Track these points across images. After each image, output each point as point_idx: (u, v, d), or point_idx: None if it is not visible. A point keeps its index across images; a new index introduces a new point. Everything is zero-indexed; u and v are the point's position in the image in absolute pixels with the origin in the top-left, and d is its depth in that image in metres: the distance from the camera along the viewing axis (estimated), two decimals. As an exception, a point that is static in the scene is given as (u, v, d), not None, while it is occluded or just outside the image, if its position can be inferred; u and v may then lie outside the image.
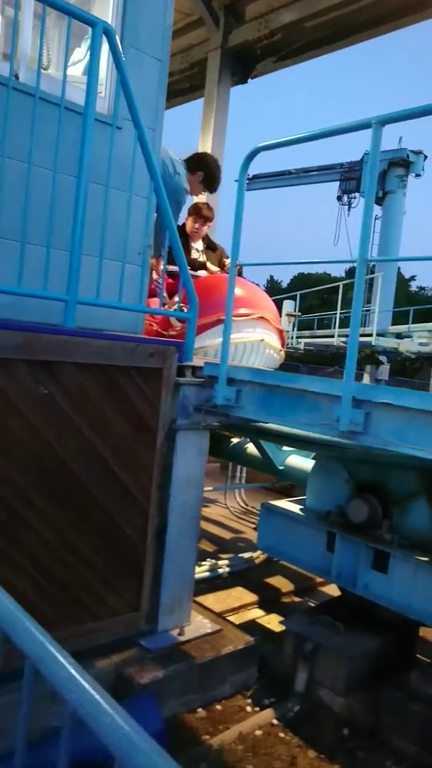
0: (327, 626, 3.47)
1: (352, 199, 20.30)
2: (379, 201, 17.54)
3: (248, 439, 5.06)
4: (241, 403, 3.15)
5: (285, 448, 4.71)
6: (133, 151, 3.12)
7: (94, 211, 3.03)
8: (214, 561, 4.80)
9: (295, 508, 3.95)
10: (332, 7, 8.40)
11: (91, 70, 2.83)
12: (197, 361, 3.51)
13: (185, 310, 3.56)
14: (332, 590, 4.57)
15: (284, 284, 49.60)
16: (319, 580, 4.76)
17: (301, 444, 4.03)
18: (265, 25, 8.86)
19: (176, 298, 4.58)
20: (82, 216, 2.81)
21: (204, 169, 4.95)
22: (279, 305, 18.22)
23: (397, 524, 3.40)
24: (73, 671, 0.93)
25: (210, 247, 5.72)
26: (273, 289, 45.11)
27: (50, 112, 2.94)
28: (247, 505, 6.84)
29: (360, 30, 8.72)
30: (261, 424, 3.94)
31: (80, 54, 3.84)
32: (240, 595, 4.45)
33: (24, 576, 2.75)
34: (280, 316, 17.07)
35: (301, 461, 4.66)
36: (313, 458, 4.46)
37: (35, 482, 2.73)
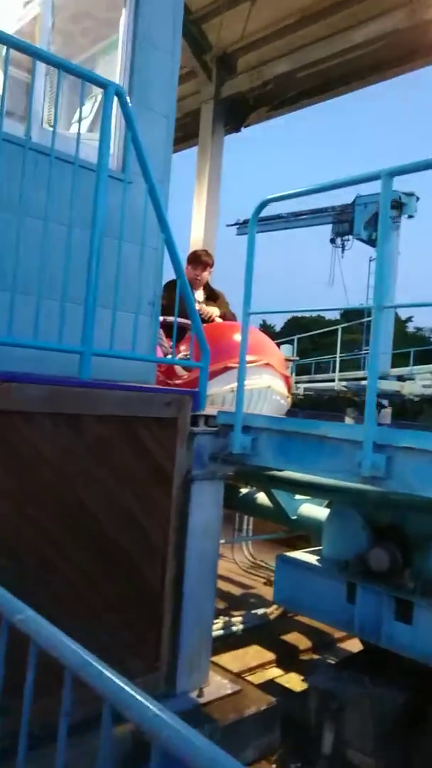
0: (352, 681, 3.48)
1: (346, 242, 20.87)
2: (373, 243, 18.06)
3: (258, 489, 5.11)
4: (258, 450, 3.25)
5: (297, 496, 4.77)
6: (144, 204, 3.31)
7: (108, 263, 3.19)
8: (227, 618, 4.80)
9: (312, 558, 3.98)
10: (322, 59, 8.91)
11: (104, 129, 3.04)
12: (209, 409, 3.63)
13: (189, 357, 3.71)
14: (353, 645, 4.56)
15: (278, 328, 50.28)
16: (339, 634, 4.75)
17: (315, 491, 4.11)
18: (258, 76, 9.35)
19: (183, 347, 4.74)
20: (96, 269, 2.97)
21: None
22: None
23: (419, 569, 3.45)
24: (158, 710, 1.01)
25: (211, 296, 5.91)
26: (266, 333, 45.61)
27: (61, 169, 3.13)
28: (255, 558, 6.82)
29: (349, 80, 9.22)
30: (274, 472, 4.04)
31: (85, 111, 4.09)
32: (257, 653, 4.45)
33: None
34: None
35: (315, 509, 4.72)
36: (327, 506, 4.53)
37: (62, 528, 2.81)
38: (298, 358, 17.19)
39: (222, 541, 6.40)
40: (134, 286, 3.37)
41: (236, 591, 5.92)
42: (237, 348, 4.65)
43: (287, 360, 17.61)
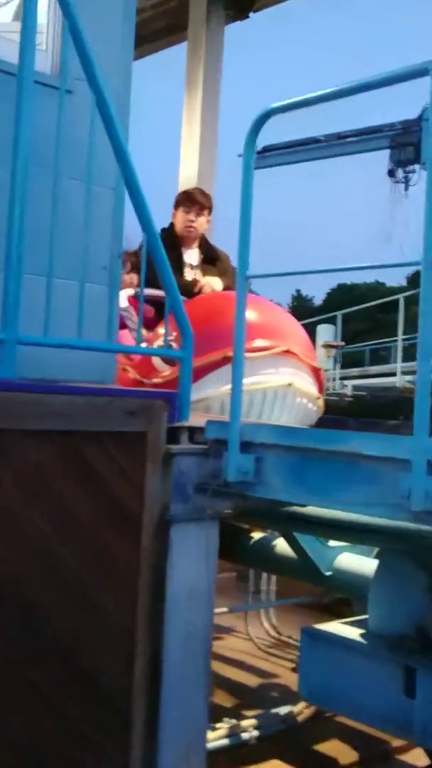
0: None
1: (410, 174, 20.82)
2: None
3: (276, 532, 5.07)
4: (263, 477, 3.21)
5: (333, 542, 4.72)
6: (91, 122, 3.27)
7: (40, 210, 3.16)
8: (234, 721, 4.77)
9: (353, 632, 3.93)
10: None
11: (28, 13, 3.01)
12: (197, 419, 3.58)
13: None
14: (418, 758, 4.53)
15: (317, 301, 50.38)
16: (398, 742, 4.71)
17: (356, 535, 4.06)
18: None
19: (161, 329, 4.68)
20: (21, 217, 2.93)
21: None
22: (311, 332, 18.42)
23: None
24: None
25: (209, 258, 5.86)
26: (302, 308, 45.73)
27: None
28: (280, 634, 6.80)
29: None
30: (294, 507, 4.00)
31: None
32: (277, 771, 4.43)
33: None
34: (314, 347, 17.34)
35: (358, 562, 4.68)
36: (375, 556, 4.47)
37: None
38: (343, 344, 17.22)
39: (224, 610, 6.42)
40: (80, 243, 3.32)
41: (251, 681, 5.92)
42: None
43: (329, 347, 17.71)
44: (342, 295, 39.53)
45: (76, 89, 3.47)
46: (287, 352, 4.72)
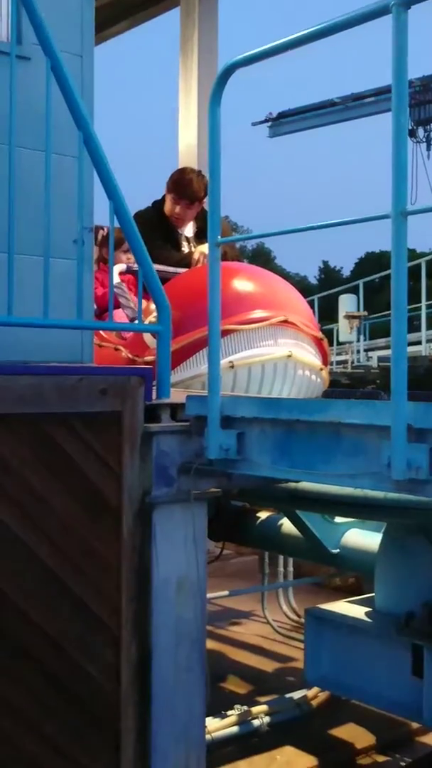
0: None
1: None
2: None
3: (281, 512, 5.01)
4: (246, 453, 3.13)
5: (339, 518, 4.65)
6: (47, 89, 3.18)
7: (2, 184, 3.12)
8: (246, 708, 4.72)
9: (360, 612, 3.89)
10: None
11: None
12: (181, 395, 3.50)
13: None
14: (438, 739, 4.47)
15: (346, 272, 50.04)
16: (417, 724, 4.64)
17: (358, 510, 3.98)
18: None
19: (152, 305, 4.61)
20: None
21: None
22: (335, 303, 18.20)
23: None
24: None
25: (202, 228, 5.74)
26: (329, 279, 45.44)
27: None
28: (300, 616, 6.73)
29: None
30: (293, 484, 3.92)
31: None
32: (290, 758, 4.39)
33: None
34: (337, 318, 17.14)
35: (367, 538, 4.60)
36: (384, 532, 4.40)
37: None
38: (365, 314, 17.00)
39: (225, 593, 6.35)
40: (42, 216, 3.24)
41: (267, 666, 5.89)
42: (239, 300, 4.55)
43: (351, 318, 17.42)
44: (371, 265, 39.13)
45: (34, 55, 3.38)
46: (286, 322, 4.60)
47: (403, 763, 4.37)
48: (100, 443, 3.12)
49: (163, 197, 5.66)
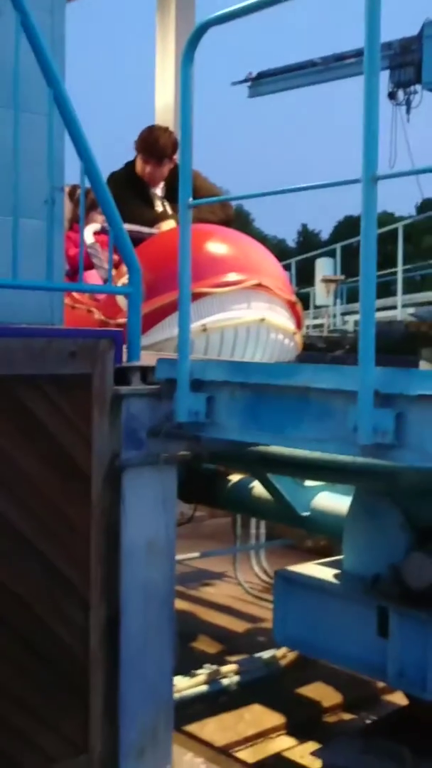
0: (386, 755, 3.44)
1: (412, 96, 20.26)
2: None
3: (251, 475, 5.02)
4: (215, 417, 3.14)
5: (309, 482, 4.66)
6: (15, 44, 3.12)
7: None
8: (215, 667, 4.78)
9: (328, 573, 3.90)
10: None
11: None
12: (152, 358, 3.50)
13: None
14: (404, 697, 4.52)
15: (324, 235, 49.83)
16: (383, 684, 4.71)
17: (326, 473, 3.99)
18: None
19: (125, 267, 4.59)
20: None
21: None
22: (313, 267, 18.17)
23: None
24: None
25: (175, 186, 5.70)
26: (308, 242, 45.25)
27: None
28: (271, 577, 6.79)
29: None
30: (263, 447, 3.93)
31: None
32: (257, 716, 4.43)
33: None
34: (313, 282, 17.10)
35: (337, 501, 4.61)
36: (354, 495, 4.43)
37: None
38: (343, 278, 16.97)
39: (195, 555, 6.38)
40: (11, 175, 3.19)
41: (238, 626, 5.94)
42: (212, 263, 4.53)
43: (329, 282, 17.40)
44: (350, 228, 38.94)
45: (4, 10, 3.31)
46: (259, 285, 4.60)
47: (368, 721, 4.42)
48: (70, 406, 3.10)
49: (135, 157, 5.62)
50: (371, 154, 2.48)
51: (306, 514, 4.70)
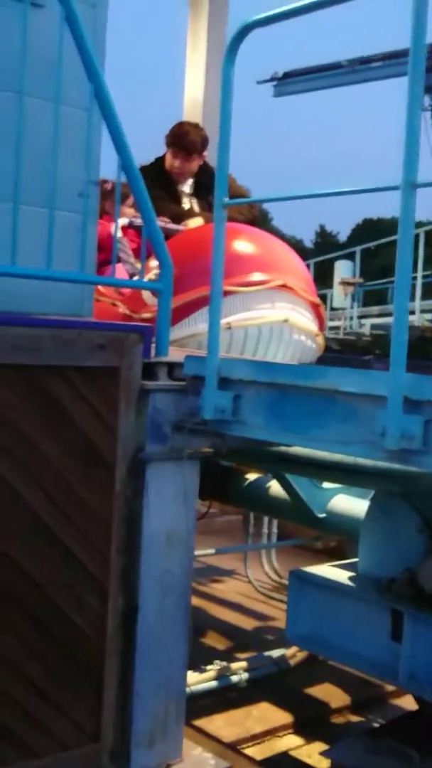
0: (394, 756, 3.46)
1: (438, 101, 20.23)
2: None
3: (268, 474, 5.04)
4: (241, 415, 3.16)
5: (327, 484, 4.68)
6: (59, 38, 3.15)
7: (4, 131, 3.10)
8: (225, 664, 4.79)
9: (343, 575, 3.91)
10: None
11: None
12: (178, 354, 3.52)
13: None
14: (413, 702, 4.52)
15: (342, 237, 49.70)
16: (391, 686, 4.72)
17: (346, 475, 4.01)
18: None
19: (152, 262, 4.61)
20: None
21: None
22: (331, 268, 18.14)
23: None
24: None
25: (205, 182, 5.71)
26: (326, 244, 45.10)
27: None
28: (281, 576, 6.82)
29: None
30: (283, 447, 3.95)
31: None
32: (265, 713, 4.45)
33: None
34: (331, 283, 17.08)
35: (354, 504, 4.64)
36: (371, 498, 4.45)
37: None
38: (361, 281, 16.96)
39: (211, 551, 6.39)
40: (48, 168, 3.22)
41: (247, 624, 5.94)
42: (239, 262, 4.54)
43: (346, 284, 17.36)
44: (368, 231, 38.88)
45: (48, 3, 3.34)
46: (284, 286, 4.61)
47: (375, 724, 4.44)
48: (97, 397, 3.13)
49: (165, 153, 5.64)
50: (411, 160, 2.50)
51: (322, 515, 4.72)
